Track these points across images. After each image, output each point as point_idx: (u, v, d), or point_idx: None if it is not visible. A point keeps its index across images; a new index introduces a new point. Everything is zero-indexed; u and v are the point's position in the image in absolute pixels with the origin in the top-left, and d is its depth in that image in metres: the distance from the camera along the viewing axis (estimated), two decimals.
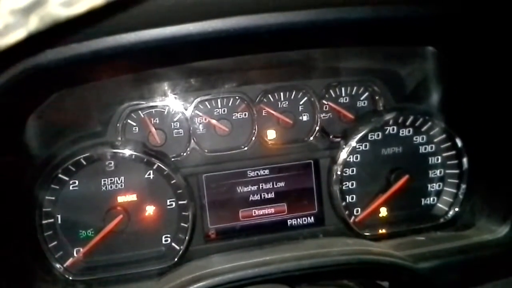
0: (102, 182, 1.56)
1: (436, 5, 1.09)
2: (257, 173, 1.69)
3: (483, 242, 1.52)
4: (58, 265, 1.51)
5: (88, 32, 0.92)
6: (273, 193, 1.71)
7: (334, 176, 1.67)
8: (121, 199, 1.57)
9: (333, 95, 1.74)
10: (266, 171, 1.70)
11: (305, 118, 1.73)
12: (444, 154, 1.73)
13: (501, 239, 1.51)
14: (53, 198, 1.50)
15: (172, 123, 1.65)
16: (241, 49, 1.29)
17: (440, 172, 1.75)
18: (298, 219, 1.73)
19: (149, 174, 1.59)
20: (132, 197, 1.59)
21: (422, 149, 1.73)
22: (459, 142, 1.67)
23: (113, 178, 1.57)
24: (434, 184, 1.76)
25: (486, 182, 1.64)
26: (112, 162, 1.56)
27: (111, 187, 1.57)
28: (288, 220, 1.72)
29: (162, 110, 1.64)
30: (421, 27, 1.23)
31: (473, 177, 1.68)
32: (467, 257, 1.46)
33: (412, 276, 1.34)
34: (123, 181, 1.58)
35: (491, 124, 1.54)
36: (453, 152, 1.70)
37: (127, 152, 1.52)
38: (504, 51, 1.30)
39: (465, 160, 1.68)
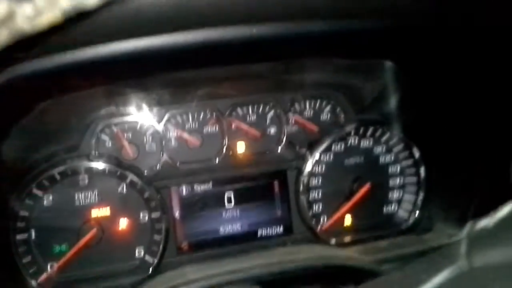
0: (76, 197, 1.56)
1: (392, 19, 1.10)
2: (227, 184, 1.72)
3: (441, 246, 1.59)
4: (32, 281, 1.50)
5: (49, 47, 0.91)
6: (243, 204, 1.73)
7: (301, 187, 1.72)
8: (94, 213, 1.58)
9: (298, 108, 1.79)
10: (236, 183, 1.73)
11: (272, 130, 1.77)
12: (403, 163, 1.80)
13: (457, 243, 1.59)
14: (27, 213, 1.49)
15: (145, 137, 1.66)
16: (205, 61, 1.28)
17: (400, 181, 1.81)
18: (268, 229, 1.75)
19: (122, 188, 1.60)
20: (106, 211, 1.59)
21: (382, 159, 1.79)
22: (416, 152, 1.74)
23: (86, 193, 1.57)
24: (395, 192, 1.82)
25: (442, 189, 1.72)
26: (86, 176, 1.56)
27: (85, 201, 1.57)
28: (258, 230, 1.75)
29: (135, 124, 1.66)
30: (377, 41, 1.26)
31: (431, 185, 1.75)
32: None
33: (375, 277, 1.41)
34: (96, 195, 1.58)
35: (446, 133, 1.62)
36: (411, 161, 1.77)
37: (100, 166, 1.54)
38: (460, 64, 1.36)
39: (422, 169, 1.75)
